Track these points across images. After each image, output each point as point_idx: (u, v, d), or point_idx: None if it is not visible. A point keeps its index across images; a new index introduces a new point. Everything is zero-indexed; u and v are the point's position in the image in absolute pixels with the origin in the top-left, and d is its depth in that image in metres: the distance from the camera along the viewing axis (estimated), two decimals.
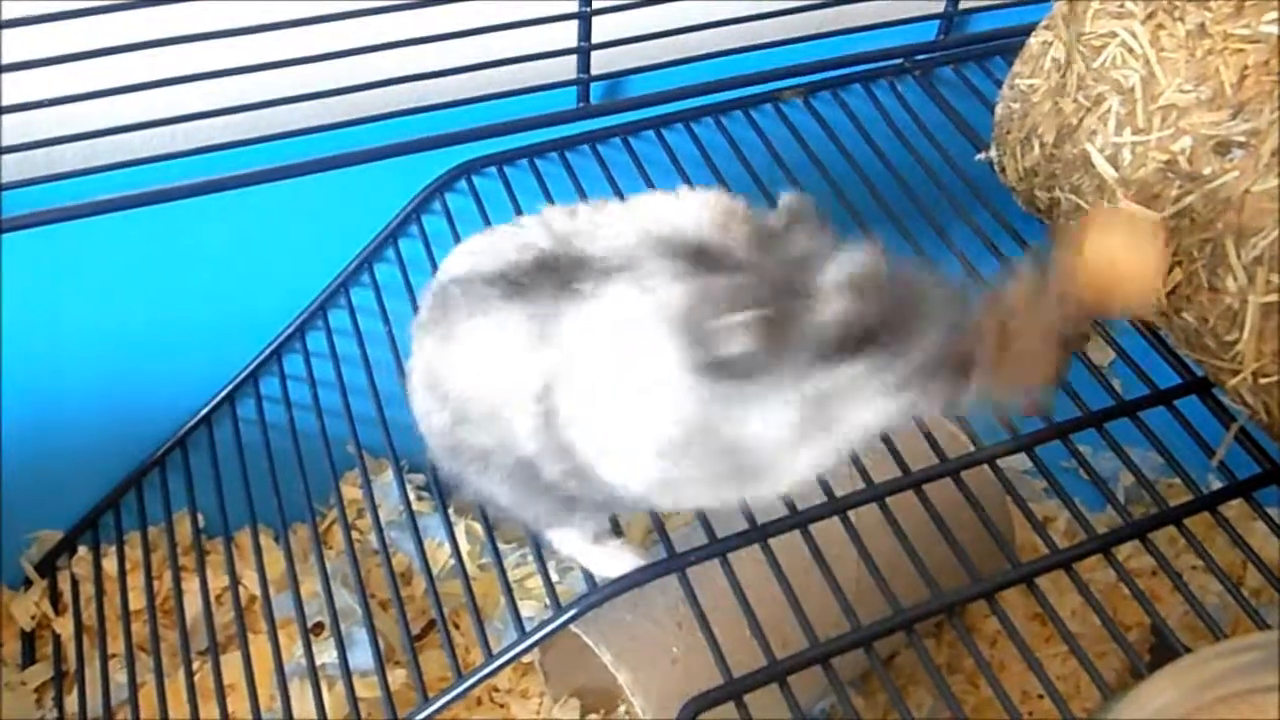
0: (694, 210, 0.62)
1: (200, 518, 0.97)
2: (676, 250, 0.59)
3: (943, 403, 0.60)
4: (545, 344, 0.62)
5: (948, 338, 0.57)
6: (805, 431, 0.59)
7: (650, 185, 0.92)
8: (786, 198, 0.61)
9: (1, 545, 0.98)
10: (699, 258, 0.59)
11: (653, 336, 0.58)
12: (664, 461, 0.61)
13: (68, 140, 0.82)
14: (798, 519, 0.71)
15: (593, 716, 0.94)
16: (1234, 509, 0.74)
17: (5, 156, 0.81)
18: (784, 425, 0.58)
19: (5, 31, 0.75)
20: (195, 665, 0.89)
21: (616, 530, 0.74)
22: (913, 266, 0.59)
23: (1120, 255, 0.63)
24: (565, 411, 0.62)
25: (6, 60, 0.76)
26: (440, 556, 1.01)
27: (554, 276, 0.63)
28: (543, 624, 0.70)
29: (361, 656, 0.86)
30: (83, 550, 0.99)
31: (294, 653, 0.91)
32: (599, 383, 0.60)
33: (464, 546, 1.00)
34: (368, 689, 0.87)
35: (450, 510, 0.82)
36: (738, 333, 0.55)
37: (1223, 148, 0.68)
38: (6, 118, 0.79)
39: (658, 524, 0.73)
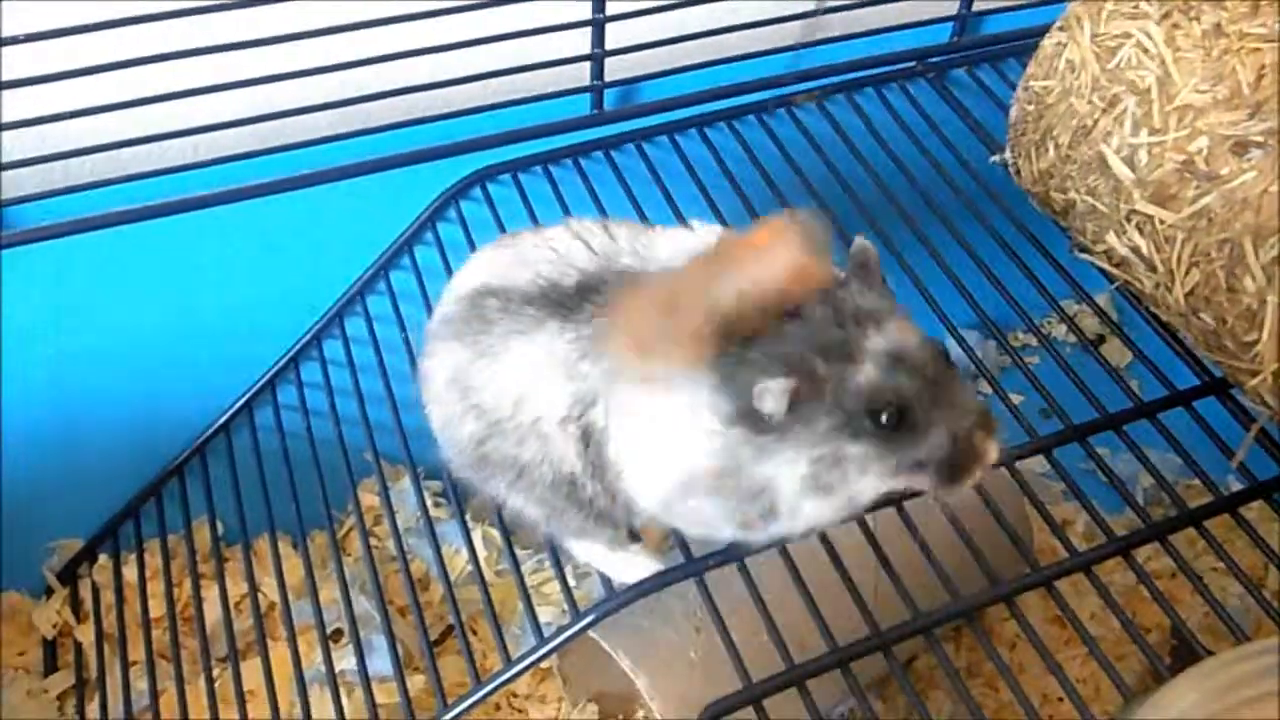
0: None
1: (219, 525, 0.97)
2: None
3: (932, 494, 0.61)
4: (587, 365, 0.62)
5: (951, 442, 0.58)
6: (813, 486, 0.59)
7: (664, 191, 0.92)
8: (857, 243, 0.61)
9: (23, 554, 0.99)
10: None
11: (692, 378, 0.58)
12: (684, 492, 0.62)
13: (87, 152, 0.83)
14: None
15: None
16: (1254, 510, 0.74)
17: (24, 169, 0.82)
18: (795, 479, 0.59)
19: (22, 44, 0.76)
20: (215, 672, 0.90)
21: (634, 536, 0.74)
22: (943, 352, 0.59)
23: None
24: (601, 429, 0.63)
25: (29, 71, 0.77)
26: (458, 563, 1.01)
27: (596, 298, 0.63)
28: (561, 629, 0.70)
29: (380, 663, 0.86)
30: (103, 558, 0.99)
31: (313, 659, 0.91)
32: (635, 407, 0.61)
33: (481, 553, 1.00)
34: (387, 695, 0.87)
35: (467, 516, 0.82)
36: (773, 395, 0.55)
37: (1240, 148, 0.68)
38: (29, 129, 0.80)
39: (675, 529, 0.73)
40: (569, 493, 0.67)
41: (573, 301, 0.64)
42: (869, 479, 0.59)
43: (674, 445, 0.60)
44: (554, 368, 0.64)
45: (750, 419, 0.57)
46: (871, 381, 0.56)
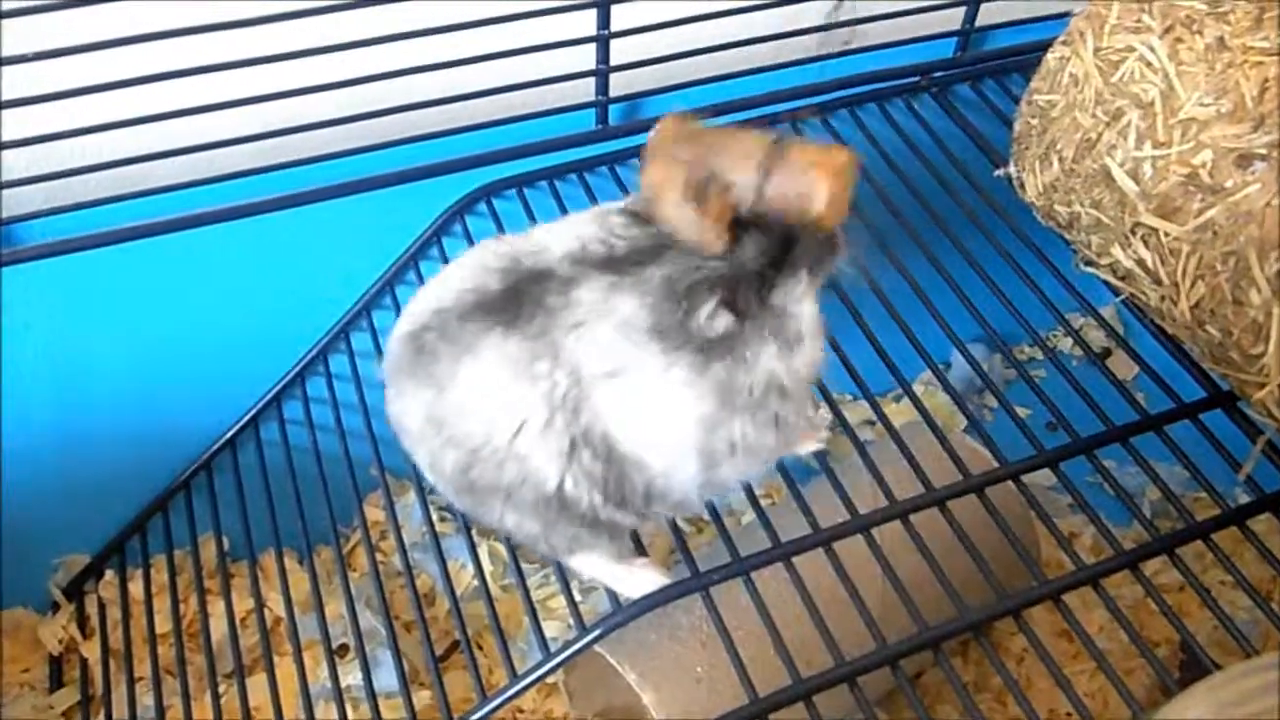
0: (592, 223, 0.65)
1: (225, 541, 0.97)
2: (607, 259, 0.63)
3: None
4: (544, 364, 0.63)
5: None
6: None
7: None
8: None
9: (29, 570, 0.99)
10: (626, 260, 0.63)
11: (644, 336, 0.62)
12: (704, 432, 0.64)
13: (90, 170, 0.83)
14: (820, 537, 0.71)
15: None
16: (1262, 523, 0.73)
17: (27, 186, 0.82)
18: (761, 370, 0.64)
19: (26, 63, 0.76)
20: (221, 688, 0.89)
21: (640, 550, 0.74)
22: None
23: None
24: (598, 426, 0.63)
25: (31, 90, 0.77)
26: (463, 577, 1.01)
27: (525, 298, 0.64)
28: (567, 644, 0.70)
29: (386, 678, 0.86)
30: (109, 574, 1.00)
31: (319, 674, 0.91)
32: (619, 386, 0.63)
33: (487, 567, 1.00)
34: (393, 710, 0.87)
35: (473, 531, 0.82)
36: (717, 317, 0.61)
37: (1244, 160, 0.68)
38: (35, 146, 0.80)
39: (680, 543, 0.73)
40: (558, 507, 0.66)
41: (504, 305, 0.64)
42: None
43: (672, 399, 0.63)
44: (511, 378, 0.63)
45: (709, 347, 0.62)
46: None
